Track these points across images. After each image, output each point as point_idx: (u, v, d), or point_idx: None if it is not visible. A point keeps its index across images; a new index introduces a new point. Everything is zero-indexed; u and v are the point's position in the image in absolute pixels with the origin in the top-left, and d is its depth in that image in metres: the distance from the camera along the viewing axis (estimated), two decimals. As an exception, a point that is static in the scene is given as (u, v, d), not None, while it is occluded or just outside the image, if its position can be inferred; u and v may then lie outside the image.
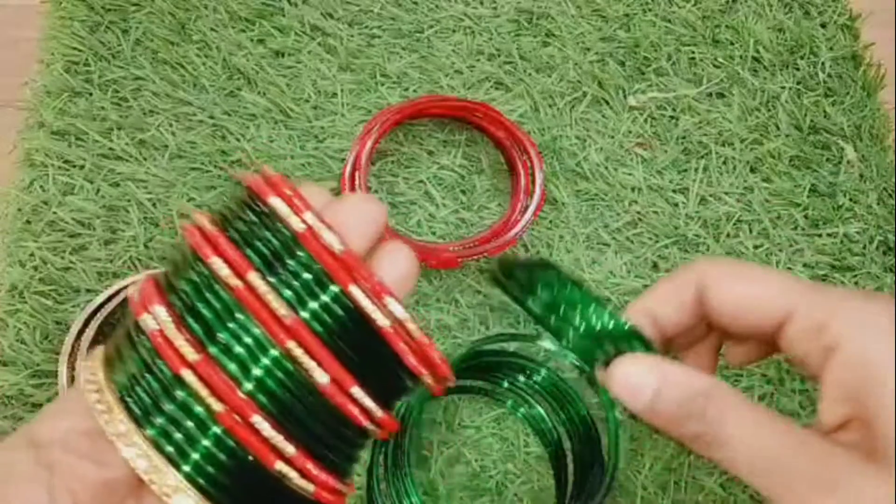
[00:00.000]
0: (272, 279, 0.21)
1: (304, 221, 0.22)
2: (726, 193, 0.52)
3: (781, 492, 0.22)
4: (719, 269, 0.26)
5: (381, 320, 0.22)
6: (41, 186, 0.50)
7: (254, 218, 0.22)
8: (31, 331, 0.46)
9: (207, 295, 0.22)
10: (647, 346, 0.25)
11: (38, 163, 0.50)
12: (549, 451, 0.45)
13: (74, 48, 0.53)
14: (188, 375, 0.21)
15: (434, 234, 0.50)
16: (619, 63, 0.56)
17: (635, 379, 0.24)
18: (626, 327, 0.25)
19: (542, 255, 0.49)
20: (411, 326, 0.22)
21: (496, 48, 0.56)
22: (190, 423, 0.21)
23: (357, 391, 0.22)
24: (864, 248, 0.51)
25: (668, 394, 0.23)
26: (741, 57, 0.57)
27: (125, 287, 0.46)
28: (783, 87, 0.56)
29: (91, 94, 0.52)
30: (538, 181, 0.49)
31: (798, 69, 0.57)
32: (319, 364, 0.21)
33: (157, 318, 0.21)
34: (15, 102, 0.52)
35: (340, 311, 0.22)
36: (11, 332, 0.46)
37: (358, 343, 0.22)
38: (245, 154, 0.51)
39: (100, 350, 0.23)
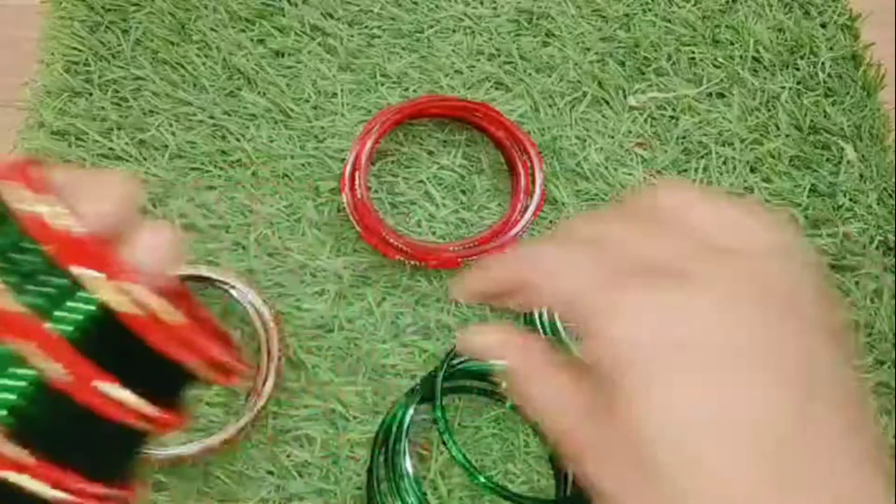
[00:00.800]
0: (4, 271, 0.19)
1: (26, 203, 0.20)
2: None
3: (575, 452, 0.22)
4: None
5: (123, 306, 0.20)
6: (41, 186, 0.50)
7: None
8: (31, 331, 0.46)
9: None
10: None
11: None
12: (549, 451, 0.45)
13: (74, 48, 0.53)
14: None
15: (434, 234, 0.50)
16: (619, 63, 0.56)
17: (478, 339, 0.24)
18: None
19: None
20: (160, 309, 0.20)
21: (496, 48, 0.56)
22: None
23: (104, 386, 0.20)
24: (864, 248, 0.51)
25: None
26: (741, 57, 0.57)
27: None
28: (783, 87, 0.56)
29: (91, 94, 0.52)
30: (538, 181, 0.49)
31: (798, 69, 0.57)
32: (55, 359, 0.19)
33: None
34: (15, 102, 0.52)
35: (80, 304, 0.20)
36: (11, 332, 0.46)
37: (105, 334, 0.20)
38: (245, 154, 0.51)
39: None
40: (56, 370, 0.19)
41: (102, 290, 0.20)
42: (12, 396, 0.19)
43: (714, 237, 0.23)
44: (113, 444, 0.21)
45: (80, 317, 0.20)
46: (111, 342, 0.20)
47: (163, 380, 0.22)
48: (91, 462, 0.21)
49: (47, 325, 0.19)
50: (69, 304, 0.20)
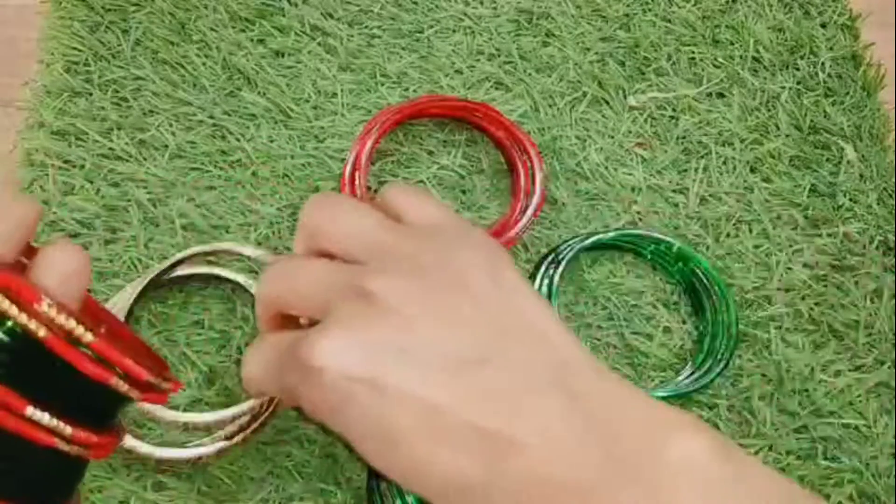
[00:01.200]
0: None
1: None
2: (726, 193, 0.52)
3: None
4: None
5: (36, 328, 0.20)
6: (41, 186, 0.50)
7: None
8: (31, 331, 0.46)
9: None
10: None
11: (37, 163, 0.50)
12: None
13: (74, 48, 0.53)
14: None
15: (434, 234, 0.50)
16: (619, 63, 0.56)
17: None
18: None
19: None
20: (75, 328, 0.20)
21: (496, 48, 0.56)
22: None
23: (32, 411, 0.20)
24: (864, 248, 0.51)
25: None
26: (741, 57, 0.57)
27: (147, 279, 0.46)
28: (783, 87, 0.56)
29: (91, 94, 0.52)
30: (538, 181, 0.49)
31: (798, 69, 0.57)
32: None
33: None
34: (15, 102, 0.52)
35: None
36: (11, 332, 0.46)
37: (24, 357, 0.20)
38: (245, 154, 0.51)
39: None
40: None
41: (12, 314, 0.19)
42: None
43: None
44: (48, 471, 0.21)
45: None
46: (29, 365, 0.20)
47: (90, 401, 0.21)
48: (27, 491, 0.20)
49: None
50: None
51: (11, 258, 0.21)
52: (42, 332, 0.20)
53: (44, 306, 0.20)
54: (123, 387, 0.21)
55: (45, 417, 0.20)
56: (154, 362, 0.23)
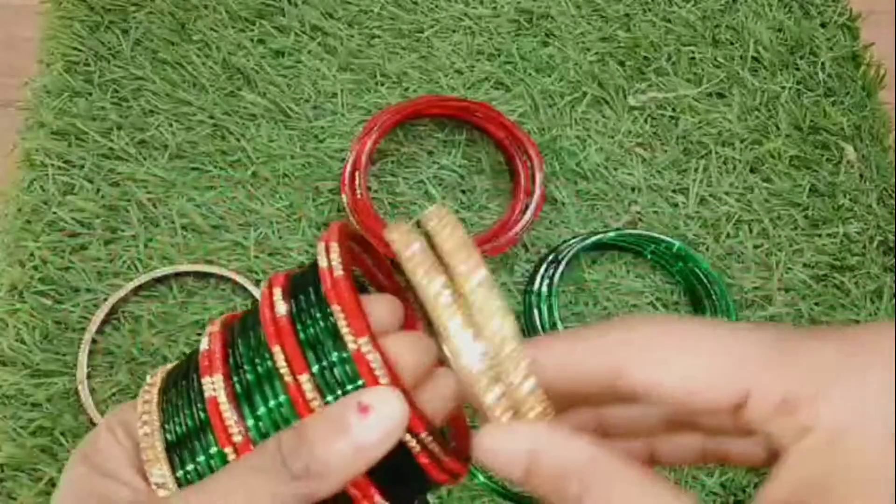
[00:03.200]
0: (320, 383, 0.22)
1: (357, 343, 0.22)
2: (726, 193, 0.52)
3: None
4: (644, 351, 0.21)
5: (413, 446, 0.22)
6: (41, 186, 0.50)
7: (321, 323, 0.23)
8: (31, 331, 0.46)
9: (264, 385, 0.22)
10: None
11: (38, 163, 0.50)
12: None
13: (74, 48, 0.53)
14: (230, 453, 0.22)
15: (434, 234, 0.50)
16: (619, 63, 0.56)
17: (504, 450, 0.21)
18: None
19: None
20: (440, 455, 0.23)
21: (496, 48, 0.56)
22: None
23: (378, 499, 0.22)
24: (864, 248, 0.51)
25: (541, 468, 0.20)
26: (741, 57, 0.57)
27: (148, 281, 0.47)
28: (783, 87, 0.56)
29: (91, 94, 0.52)
30: (538, 181, 0.49)
31: (798, 69, 0.57)
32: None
33: (215, 386, 0.23)
34: (15, 102, 0.52)
35: None
36: (11, 332, 0.46)
37: (389, 458, 0.22)
38: (245, 154, 0.51)
39: (157, 380, 0.25)
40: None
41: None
42: None
43: None
44: None
45: None
46: (389, 462, 0.22)
47: (412, 492, 0.24)
48: None
49: None
50: None
51: (410, 383, 0.23)
52: (416, 449, 0.22)
53: (424, 435, 0.22)
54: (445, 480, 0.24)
55: None
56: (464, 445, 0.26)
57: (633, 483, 0.19)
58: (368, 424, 0.21)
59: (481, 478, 0.43)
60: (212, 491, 0.21)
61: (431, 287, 0.22)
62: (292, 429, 0.22)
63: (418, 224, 0.23)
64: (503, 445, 0.21)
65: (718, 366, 0.20)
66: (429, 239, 0.23)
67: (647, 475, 0.20)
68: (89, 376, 0.45)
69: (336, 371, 0.22)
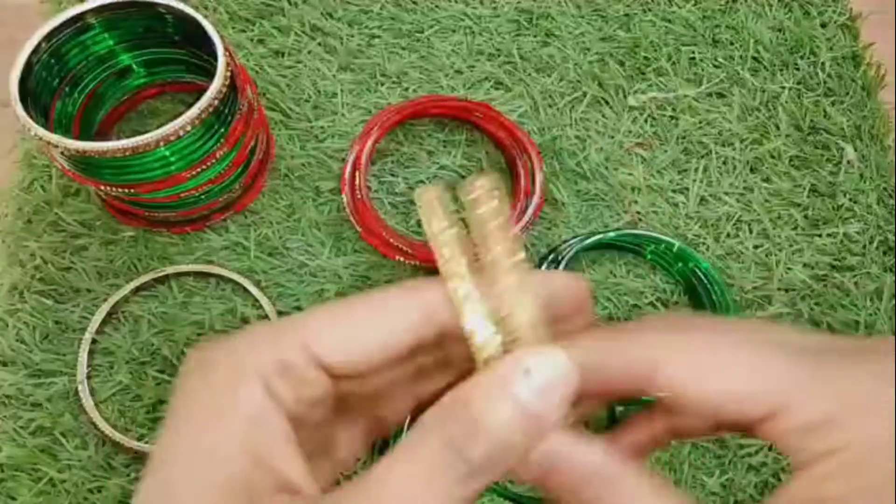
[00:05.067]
0: None
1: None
2: (726, 193, 0.52)
3: None
4: (681, 359, 0.21)
5: None
6: (42, 187, 0.50)
7: None
8: (31, 331, 0.46)
9: None
10: None
11: (38, 163, 0.50)
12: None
13: (74, 48, 0.53)
14: None
15: (434, 234, 0.50)
16: (619, 63, 0.56)
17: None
18: None
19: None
20: None
21: (496, 48, 0.56)
22: None
23: None
24: (864, 248, 0.51)
25: (559, 472, 0.20)
26: (741, 57, 0.57)
27: (148, 281, 0.47)
28: (783, 87, 0.56)
29: (91, 94, 0.52)
30: (538, 181, 0.49)
31: (798, 69, 0.57)
32: None
33: None
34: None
35: None
36: (11, 332, 0.46)
37: None
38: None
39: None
40: None
41: None
42: None
43: None
44: None
45: None
46: None
47: None
48: None
49: None
50: None
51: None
52: None
53: None
54: None
55: None
56: None
57: (648, 490, 0.20)
58: (535, 386, 0.19)
59: None
60: (399, 489, 0.18)
61: (454, 281, 0.20)
62: (452, 405, 0.19)
63: (454, 190, 0.21)
64: None
65: (756, 380, 0.20)
66: (463, 206, 0.21)
67: (661, 484, 0.20)
68: (89, 376, 0.45)
69: None
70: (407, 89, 0.54)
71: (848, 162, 0.54)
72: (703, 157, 0.53)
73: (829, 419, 0.20)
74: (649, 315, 0.23)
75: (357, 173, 0.48)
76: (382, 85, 0.54)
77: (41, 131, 0.39)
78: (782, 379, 0.20)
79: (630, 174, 0.52)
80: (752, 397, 0.20)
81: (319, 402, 0.20)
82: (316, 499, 0.18)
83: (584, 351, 0.21)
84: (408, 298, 0.20)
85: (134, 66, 0.49)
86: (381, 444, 0.43)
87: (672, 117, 0.54)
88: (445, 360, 0.22)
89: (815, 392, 0.20)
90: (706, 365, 0.21)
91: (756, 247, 0.51)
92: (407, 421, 0.24)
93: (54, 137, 0.39)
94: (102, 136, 0.50)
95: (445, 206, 0.21)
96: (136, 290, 0.47)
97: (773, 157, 0.54)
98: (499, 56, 0.56)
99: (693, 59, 0.57)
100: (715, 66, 0.56)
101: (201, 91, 0.41)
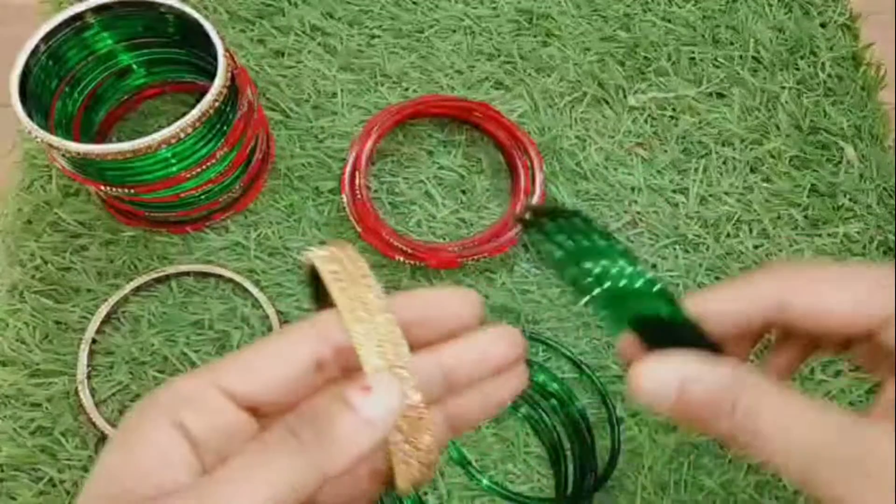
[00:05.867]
0: None
1: None
2: (726, 193, 0.52)
3: (825, 482, 0.21)
4: (805, 281, 0.24)
5: None
6: (42, 187, 0.50)
7: None
8: (31, 331, 0.46)
9: None
10: (677, 312, 0.24)
11: (38, 163, 0.50)
12: (549, 451, 0.45)
13: (74, 48, 0.53)
14: None
15: (434, 234, 0.50)
16: (619, 63, 0.56)
17: (654, 381, 0.22)
18: (656, 289, 0.23)
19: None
20: None
21: (496, 48, 0.56)
22: None
23: None
24: (864, 248, 0.51)
25: (693, 393, 0.22)
26: (741, 57, 0.57)
27: (148, 281, 0.47)
28: (783, 87, 0.56)
29: (91, 95, 0.52)
30: (538, 181, 0.49)
31: (798, 69, 0.57)
32: None
33: None
34: (15, 102, 0.52)
35: None
36: (11, 332, 0.46)
37: None
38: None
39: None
40: None
41: None
42: None
43: None
44: None
45: None
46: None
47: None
48: None
49: None
50: None
51: None
52: None
53: None
54: None
55: None
56: None
57: (778, 394, 0.22)
58: (372, 402, 0.21)
59: (486, 481, 0.43)
60: (232, 473, 0.20)
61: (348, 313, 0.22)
62: (296, 411, 0.21)
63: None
64: (654, 376, 0.23)
65: (868, 296, 0.23)
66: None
67: (788, 389, 0.22)
68: (89, 376, 0.45)
69: None
70: (407, 89, 0.54)
71: (848, 162, 0.54)
72: (703, 157, 0.53)
73: None
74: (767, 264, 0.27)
75: (357, 173, 0.48)
76: (382, 85, 0.54)
77: (42, 133, 0.39)
78: (888, 291, 0.23)
79: (630, 174, 0.52)
80: (867, 309, 0.23)
81: (236, 431, 0.21)
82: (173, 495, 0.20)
83: (716, 297, 0.25)
84: (302, 326, 0.23)
85: (134, 66, 0.49)
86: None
87: (672, 117, 0.54)
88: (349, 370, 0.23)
89: None
90: (829, 291, 0.24)
91: (756, 247, 0.51)
92: None
93: (55, 140, 0.39)
94: (102, 136, 0.50)
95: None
96: (136, 290, 0.47)
97: (773, 157, 0.54)
98: (499, 56, 0.56)
99: (693, 59, 0.57)
100: (715, 66, 0.56)
101: (201, 91, 0.41)
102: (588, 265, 0.23)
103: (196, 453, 0.21)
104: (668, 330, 0.23)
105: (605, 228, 0.23)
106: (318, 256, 0.23)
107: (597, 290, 0.23)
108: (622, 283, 0.23)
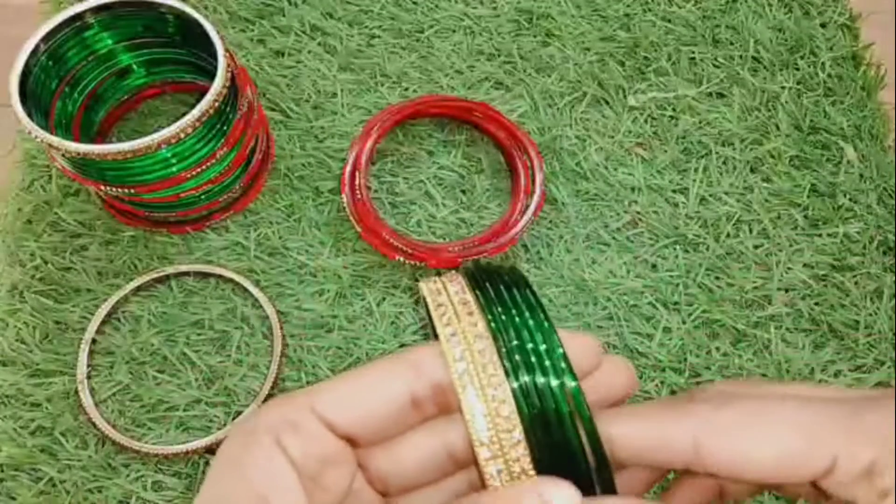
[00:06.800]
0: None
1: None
2: (726, 193, 0.52)
3: None
4: (724, 427, 0.22)
5: None
6: (42, 187, 0.50)
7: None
8: (31, 331, 0.46)
9: None
10: (588, 424, 0.21)
11: (38, 163, 0.50)
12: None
13: (74, 48, 0.53)
14: None
15: (434, 234, 0.50)
16: (619, 63, 0.56)
17: None
18: (570, 389, 0.21)
19: (542, 255, 0.49)
20: None
21: (496, 48, 0.56)
22: None
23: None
24: (864, 248, 0.51)
25: None
26: (741, 57, 0.57)
27: (148, 281, 0.47)
28: (783, 87, 0.56)
29: (91, 94, 0.52)
30: (538, 181, 0.49)
31: (798, 69, 0.57)
32: None
33: None
34: (15, 102, 0.52)
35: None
36: (11, 332, 0.46)
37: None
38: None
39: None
40: None
41: None
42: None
43: None
44: None
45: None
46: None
47: None
48: None
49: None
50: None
51: None
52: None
53: None
54: None
55: None
56: None
57: None
58: None
59: None
60: None
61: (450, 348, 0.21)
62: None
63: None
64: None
65: (807, 441, 0.21)
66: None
67: None
68: (89, 376, 0.45)
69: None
70: (407, 89, 0.54)
71: (848, 162, 0.54)
72: (703, 157, 0.53)
73: (880, 465, 0.21)
74: (699, 388, 0.24)
75: (357, 173, 0.48)
76: (382, 85, 0.54)
77: (42, 133, 0.39)
78: (833, 434, 0.21)
79: (630, 174, 0.52)
80: (807, 456, 0.21)
81: (333, 462, 0.21)
82: None
83: (627, 433, 0.22)
84: (399, 357, 0.22)
85: (134, 66, 0.49)
86: None
87: (672, 117, 0.54)
88: (447, 409, 0.22)
89: (861, 441, 0.21)
90: (756, 437, 0.22)
91: (756, 247, 0.51)
92: None
93: (55, 140, 0.39)
94: (102, 136, 0.50)
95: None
96: (136, 290, 0.47)
97: (773, 157, 0.54)
98: (499, 56, 0.56)
99: (693, 59, 0.57)
100: (715, 66, 0.56)
101: (201, 91, 0.41)
102: (514, 343, 0.21)
103: (300, 479, 0.20)
104: (564, 446, 0.21)
105: (540, 304, 0.22)
106: (427, 288, 0.23)
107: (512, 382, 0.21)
108: (539, 379, 0.21)
